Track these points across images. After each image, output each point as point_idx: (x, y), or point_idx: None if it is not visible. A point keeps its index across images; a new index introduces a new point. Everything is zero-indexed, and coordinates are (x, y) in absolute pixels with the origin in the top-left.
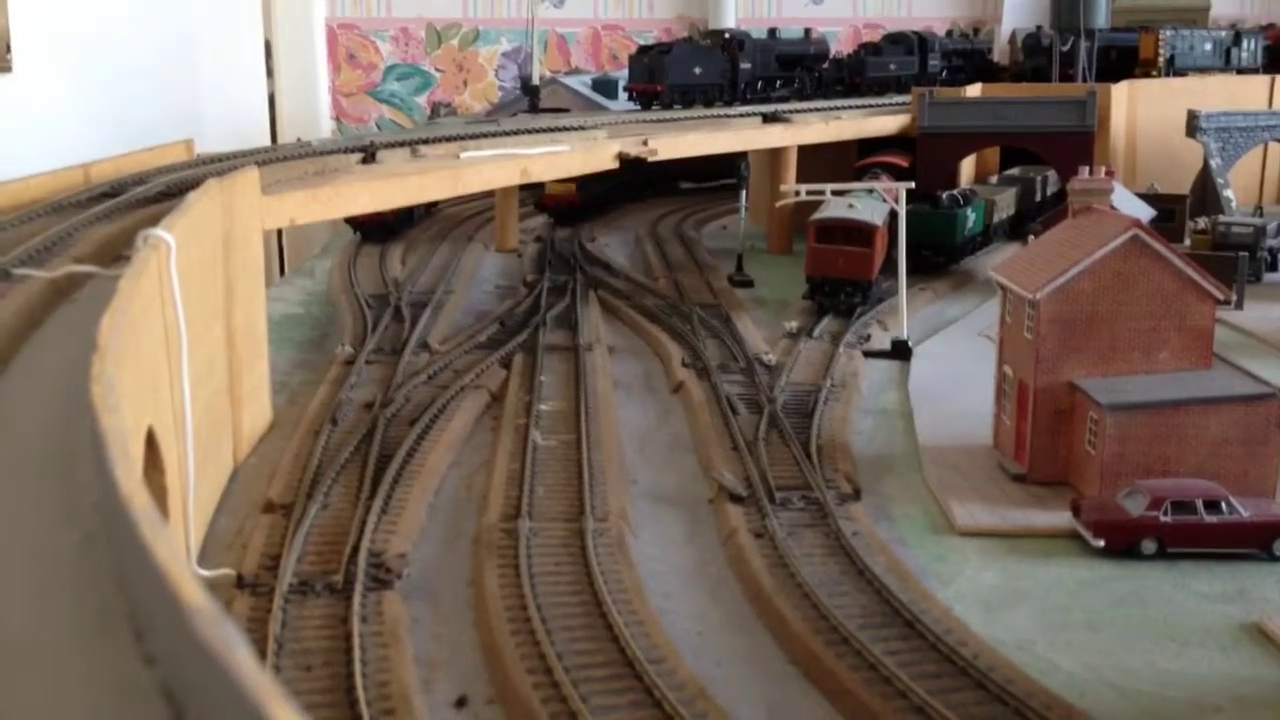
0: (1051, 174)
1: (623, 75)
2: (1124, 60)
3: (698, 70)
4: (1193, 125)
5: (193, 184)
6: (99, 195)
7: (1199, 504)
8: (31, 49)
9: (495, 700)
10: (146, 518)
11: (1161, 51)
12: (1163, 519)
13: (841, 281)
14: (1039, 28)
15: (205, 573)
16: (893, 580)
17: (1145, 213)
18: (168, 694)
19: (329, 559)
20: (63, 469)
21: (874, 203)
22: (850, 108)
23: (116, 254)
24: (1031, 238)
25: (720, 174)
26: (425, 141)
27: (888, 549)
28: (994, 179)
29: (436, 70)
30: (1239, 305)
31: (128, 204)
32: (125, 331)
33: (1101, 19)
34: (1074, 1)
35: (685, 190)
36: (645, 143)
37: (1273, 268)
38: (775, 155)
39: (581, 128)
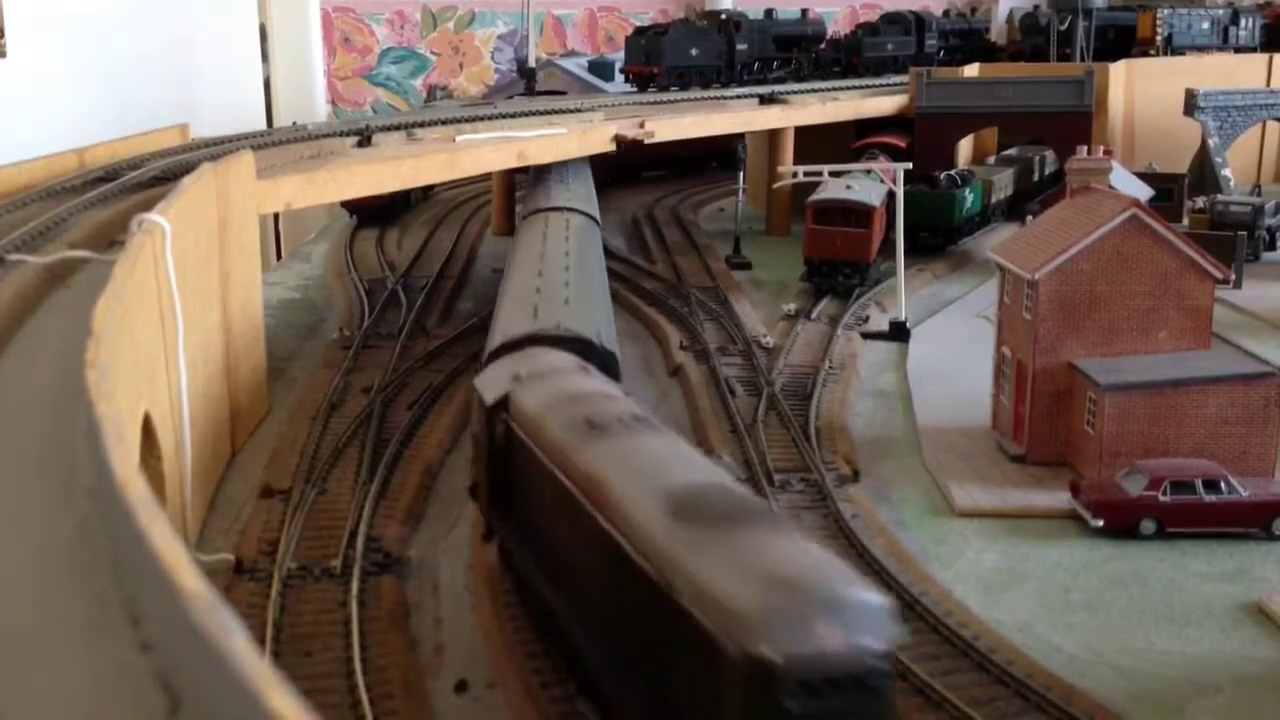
0: (1049, 154)
1: (619, 57)
2: (1122, 39)
3: (694, 52)
4: (1191, 104)
5: (187, 168)
6: (93, 180)
7: (1198, 484)
8: (26, 34)
9: (496, 684)
10: (142, 504)
11: (1159, 30)
12: (1162, 499)
13: (839, 263)
14: (1036, 7)
15: (203, 558)
16: (892, 562)
17: (1143, 192)
18: (164, 681)
19: (328, 544)
20: (58, 455)
21: (872, 184)
22: (847, 88)
23: (111, 239)
24: (1030, 218)
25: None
26: (421, 125)
27: (887, 531)
28: (992, 159)
29: (432, 53)
30: (1238, 284)
31: (122, 189)
32: (120, 317)
33: None
34: None
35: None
36: (642, 125)
37: (1271, 247)
38: (773, 136)
39: (578, 110)
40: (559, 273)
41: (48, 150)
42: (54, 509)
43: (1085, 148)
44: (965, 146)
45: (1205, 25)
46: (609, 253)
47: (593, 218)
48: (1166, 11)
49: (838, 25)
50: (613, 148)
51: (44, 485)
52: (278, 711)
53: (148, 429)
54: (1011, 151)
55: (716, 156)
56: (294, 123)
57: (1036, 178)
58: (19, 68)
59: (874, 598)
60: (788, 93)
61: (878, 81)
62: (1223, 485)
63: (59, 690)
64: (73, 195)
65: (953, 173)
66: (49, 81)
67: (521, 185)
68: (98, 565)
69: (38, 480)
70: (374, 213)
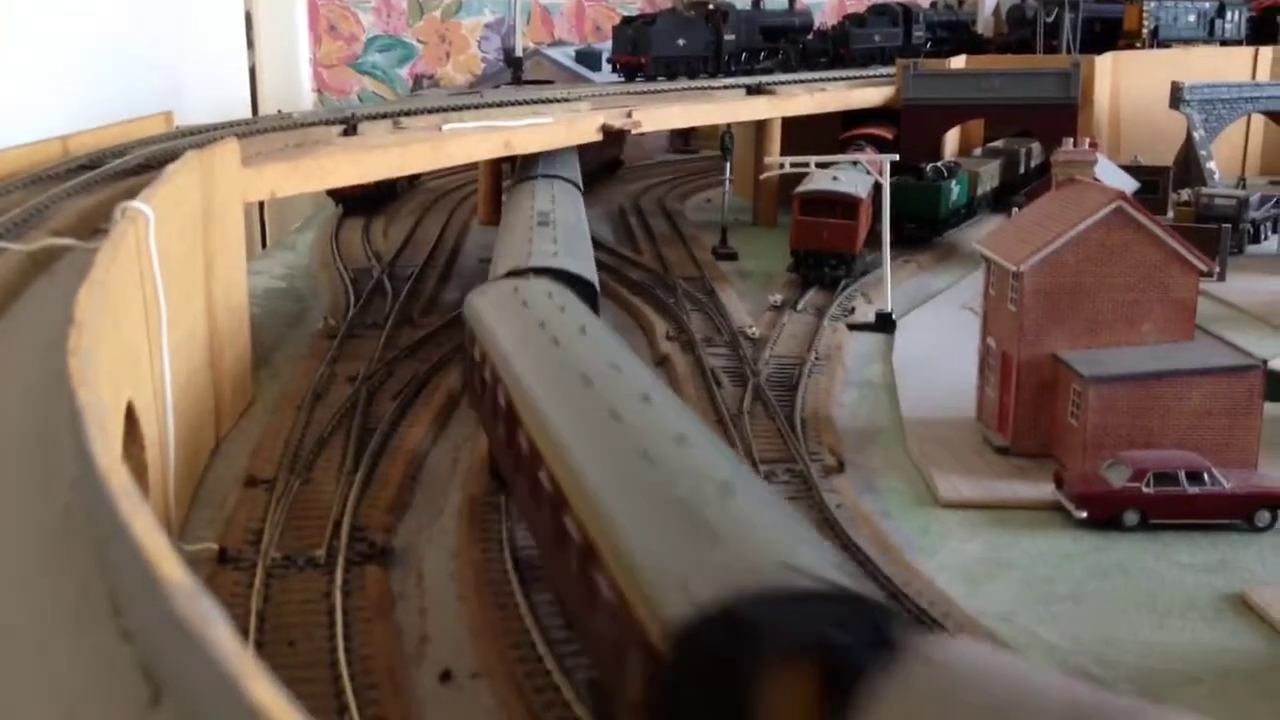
0: (1036, 146)
1: (606, 47)
2: (1108, 32)
3: (682, 42)
4: (1176, 97)
5: (172, 156)
6: (77, 168)
7: (1181, 475)
8: (8, 20)
9: (480, 674)
10: (125, 493)
11: (1145, 23)
12: (1145, 490)
13: (826, 254)
14: None
15: (187, 548)
16: (877, 553)
17: (1128, 184)
18: (146, 670)
19: (312, 533)
20: (41, 444)
21: (858, 175)
22: (835, 79)
23: (95, 227)
24: (1015, 210)
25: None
26: (407, 113)
27: (872, 521)
28: (978, 151)
29: (419, 42)
30: (1221, 277)
31: (106, 176)
32: (103, 305)
33: None
34: None
35: (665, 163)
36: (629, 115)
37: (1255, 239)
38: (760, 127)
39: (565, 100)
40: (638, 420)
41: (32, 138)
42: (36, 498)
43: (1071, 140)
44: (952, 138)
45: (1191, 18)
46: (594, 242)
47: (589, 283)
48: (1153, 4)
49: (825, 16)
50: (599, 137)
51: (26, 474)
52: (259, 701)
53: (131, 418)
54: (998, 143)
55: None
56: (279, 111)
57: (1022, 170)
58: (2, 55)
59: None
60: (775, 83)
61: (865, 73)
62: (1206, 477)
63: (41, 679)
64: (56, 183)
65: (939, 164)
66: (33, 69)
67: (508, 176)
68: (80, 555)
69: (20, 469)
70: (360, 201)
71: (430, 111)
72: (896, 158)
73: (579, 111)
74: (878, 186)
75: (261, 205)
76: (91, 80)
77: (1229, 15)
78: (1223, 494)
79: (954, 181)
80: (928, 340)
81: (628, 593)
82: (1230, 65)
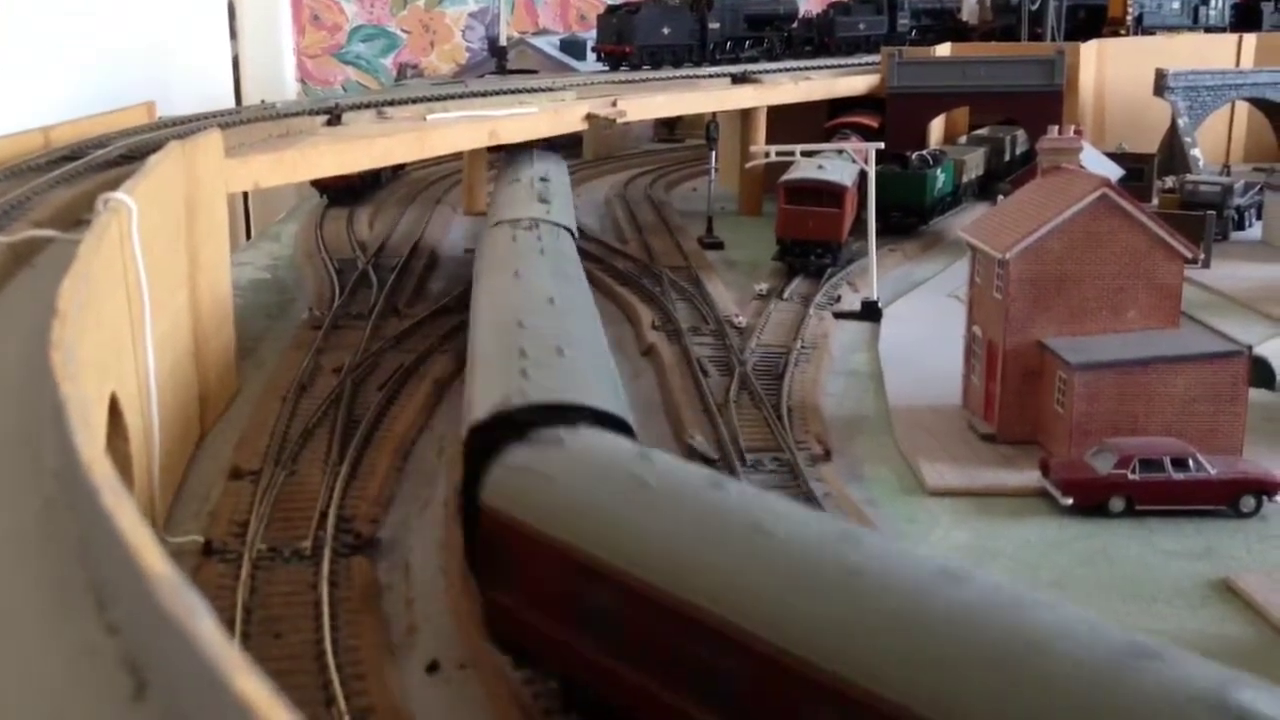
0: (1020, 133)
1: (591, 36)
2: (1093, 19)
3: (666, 30)
4: (1161, 84)
5: (154, 147)
6: (59, 159)
7: (1167, 462)
8: None
9: (467, 665)
10: (108, 486)
11: (1130, 10)
12: (1131, 477)
13: (811, 243)
14: None
15: (172, 540)
16: None
17: (1114, 172)
18: (130, 664)
19: (298, 525)
20: (24, 437)
21: (843, 164)
22: (820, 68)
23: (77, 218)
24: (1001, 197)
25: None
26: (391, 104)
27: (859, 510)
28: (963, 139)
29: (403, 31)
30: (1206, 264)
31: (88, 167)
32: (86, 297)
33: None
34: None
35: (650, 152)
36: (614, 104)
37: (1240, 226)
38: (745, 116)
39: (550, 89)
40: None
41: (11, 128)
42: (19, 491)
43: (1056, 127)
44: (937, 126)
45: (1175, 5)
46: (580, 232)
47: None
48: None
49: (810, 4)
50: (585, 126)
51: (9, 467)
52: (245, 694)
53: (114, 410)
54: (983, 131)
55: None
56: (263, 101)
57: (1008, 157)
58: None
59: None
60: (760, 72)
61: (850, 61)
62: (1191, 463)
63: (24, 674)
64: (38, 174)
65: (924, 152)
66: (13, 59)
67: (494, 165)
68: (63, 548)
69: (2, 462)
70: (344, 192)
71: (414, 101)
72: (882, 146)
73: (564, 101)
74: (863, 175)
75: (245, 196)
76: (73, 70)
77: (1213, 2)
78: (1208, 480)
79: (939, 169)
80: (914, 328)
81: None
82: (1214, 52)
